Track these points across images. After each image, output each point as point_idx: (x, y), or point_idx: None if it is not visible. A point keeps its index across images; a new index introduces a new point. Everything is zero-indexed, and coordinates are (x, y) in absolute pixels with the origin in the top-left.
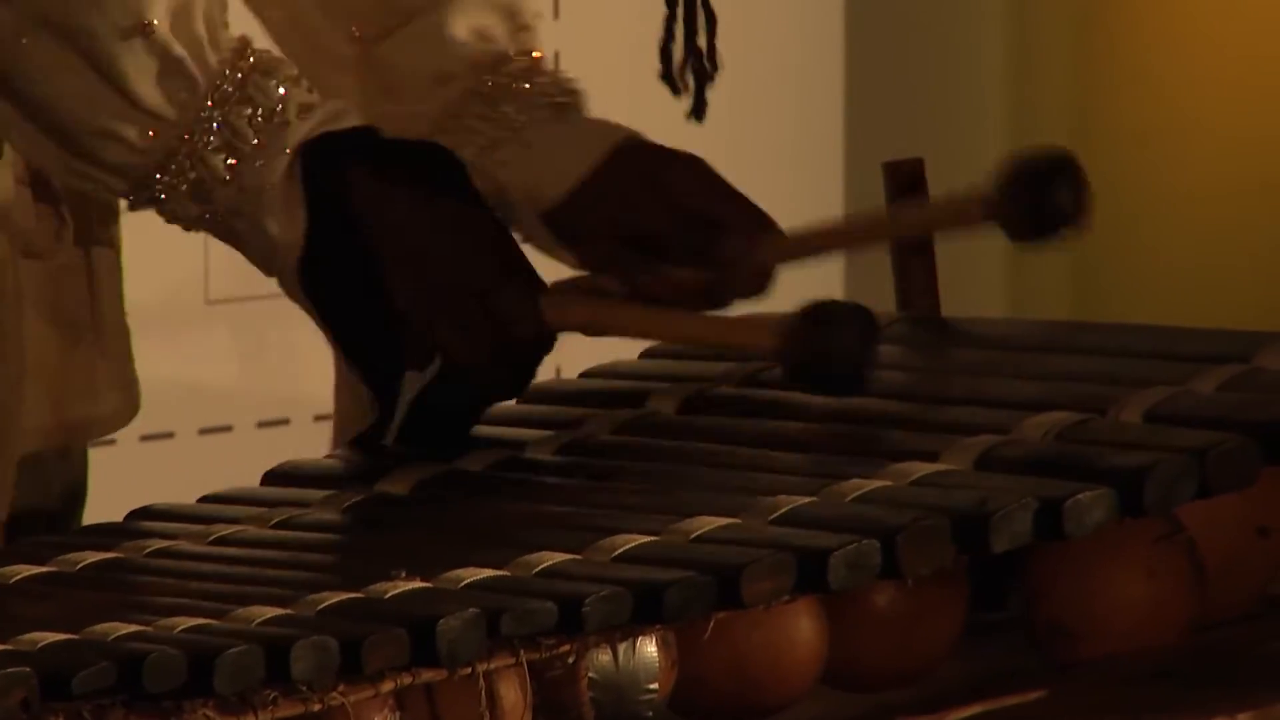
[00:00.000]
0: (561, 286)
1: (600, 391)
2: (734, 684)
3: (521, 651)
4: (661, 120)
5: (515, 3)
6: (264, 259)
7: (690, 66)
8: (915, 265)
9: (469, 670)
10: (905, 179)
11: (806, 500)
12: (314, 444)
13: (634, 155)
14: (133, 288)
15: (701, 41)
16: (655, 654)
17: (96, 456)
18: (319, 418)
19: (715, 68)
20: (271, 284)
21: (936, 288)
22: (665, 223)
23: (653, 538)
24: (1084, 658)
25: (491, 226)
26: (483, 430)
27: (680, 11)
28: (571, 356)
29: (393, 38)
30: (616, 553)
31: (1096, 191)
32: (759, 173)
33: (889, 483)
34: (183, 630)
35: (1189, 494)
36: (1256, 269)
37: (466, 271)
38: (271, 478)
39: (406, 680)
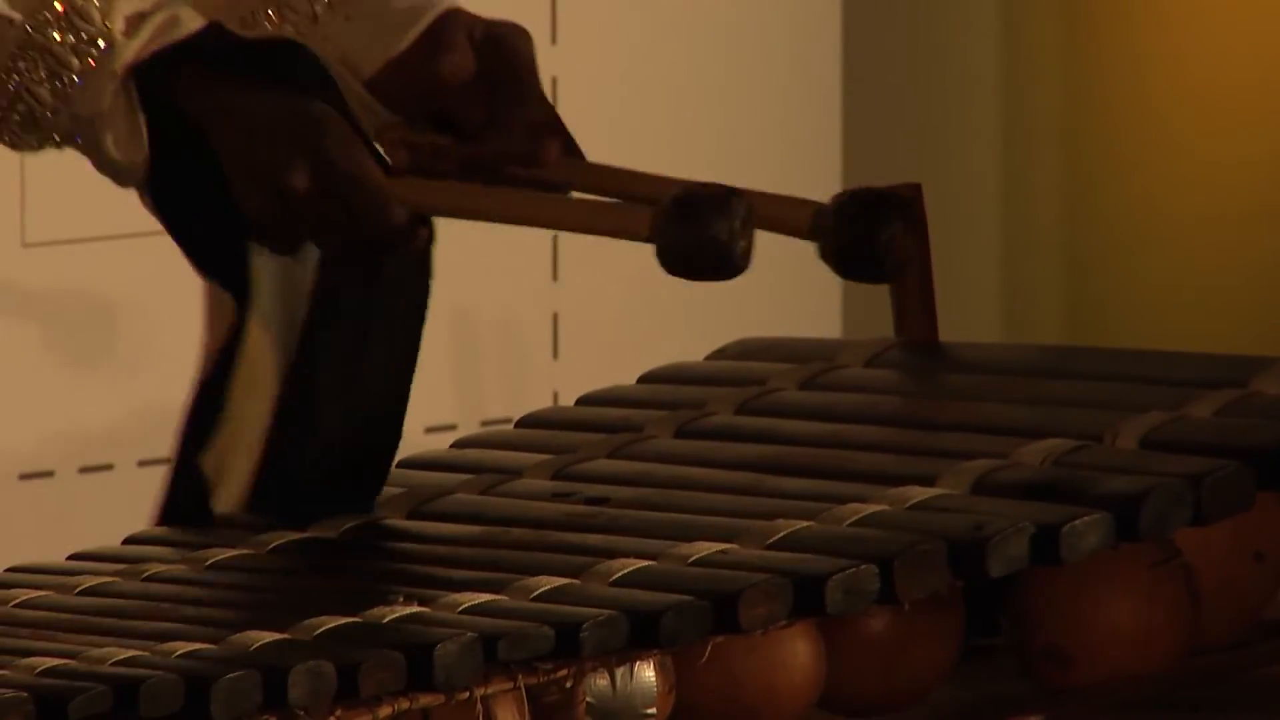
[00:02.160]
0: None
1: (596, 417)
2: (730, 708)
3: (519, 676)
4: (660, 144)
5: None
6: (116, 178)
7: None
8: (912, 290)
9: (466, 695)
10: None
11: (803, 525)
12: None
13: (452, 24)
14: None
15: None
16: (652, 678)
17: (86, 482)
18: None
19: None
20: None
21: (934, 312)
22: (467, 94)
23: (649, 562)
24: (1079, 683)
25: (337, 118)
26: (479, 455)
27: None
28: (569, 383)
29: None
30: (613, 577)
31: (1093, 217)
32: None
33: (885, 507)
34: (179, 655)
35: (1185, 520)
36: (1252, 293)
37: (313, 168)
38: None
39: (403, 705)
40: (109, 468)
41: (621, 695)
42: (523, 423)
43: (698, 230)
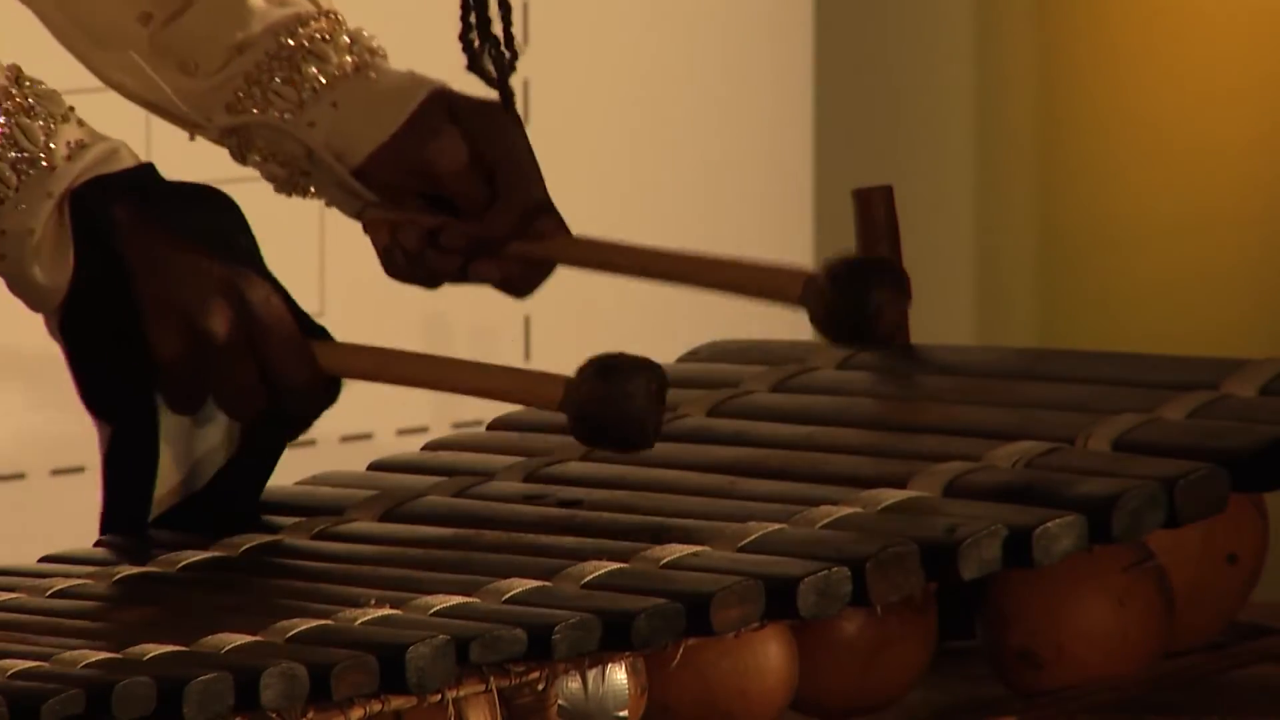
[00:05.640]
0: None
1: None
2: (703, 711)
3: (491, 678)
4: (631, 149)
5: None
6: (30, 300)
7: (489, 55)
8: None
9: (438, 697)
10: (875, 206)
11: (775, 527)
12: (278, 471)
13: (440, 107)
14: None
15: (498, 29)
16: (624, 681)
17: (58, 484)
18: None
19: (514, 55)
20: None
21: (905, 315)
22: (461, 174)
23: (622, 565)
24: (1052, 686)
25: (261, 277)
26: (451, 458)
27: (474, 1)
28: None
29: (188, 13)
30: (586, 580)
31: (1067, 219)
32: (729, 200)
33: (858, 510)
34: (151, 657)
35: (1158, 522)
36: (1224, 296)
37: (232, 323)
38: None
39: (376, 707)
40: (80, 470)
41: (594, 698)
42: (495, 425)
43: (613, 391)
